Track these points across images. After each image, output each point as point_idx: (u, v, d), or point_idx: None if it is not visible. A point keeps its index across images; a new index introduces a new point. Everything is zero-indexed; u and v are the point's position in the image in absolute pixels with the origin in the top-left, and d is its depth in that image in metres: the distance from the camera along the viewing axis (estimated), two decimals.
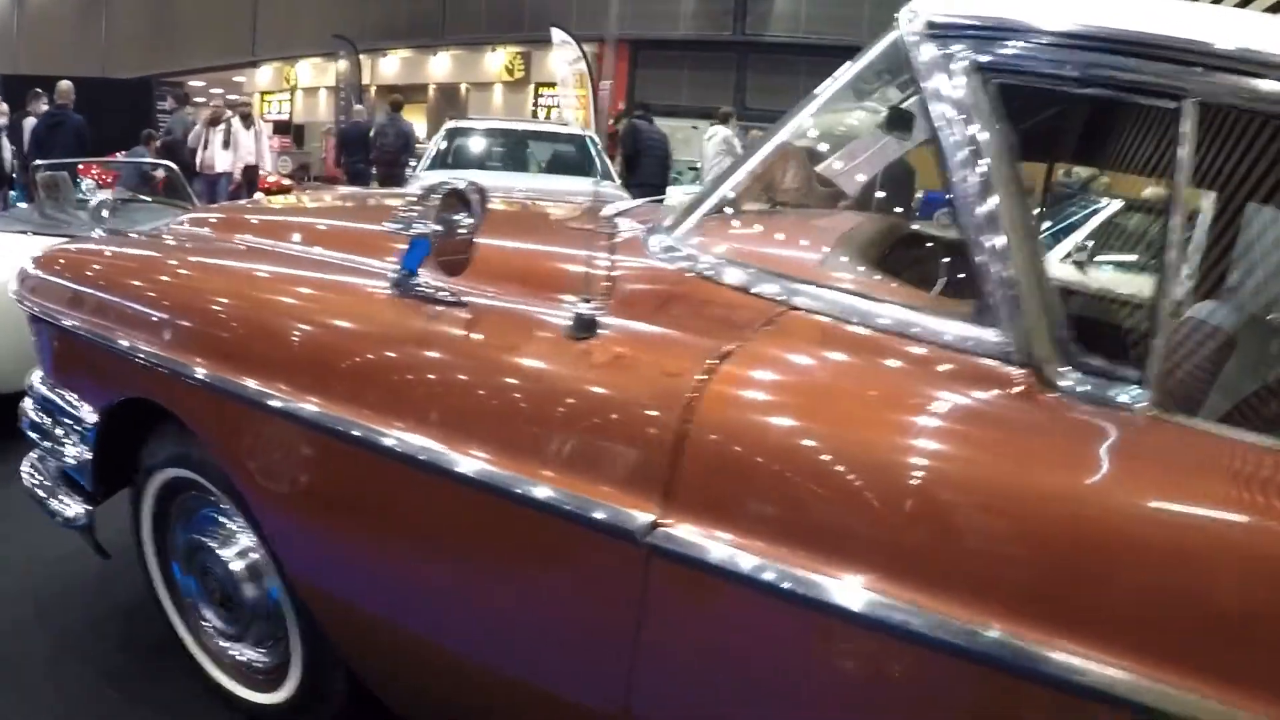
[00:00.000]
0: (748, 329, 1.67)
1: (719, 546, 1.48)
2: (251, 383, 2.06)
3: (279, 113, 32.21)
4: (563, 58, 17.65)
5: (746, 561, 1.46)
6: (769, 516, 1.48)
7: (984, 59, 1.61)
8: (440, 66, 29.61)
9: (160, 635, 2.81)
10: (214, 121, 12.32)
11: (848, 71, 1.95)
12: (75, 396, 2.69)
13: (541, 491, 1.63)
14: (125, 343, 2.35)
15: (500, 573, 1.82)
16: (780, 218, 2.52)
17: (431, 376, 1.86)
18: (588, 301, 1.74)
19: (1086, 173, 11.49)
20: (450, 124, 9.59)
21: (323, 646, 2.29)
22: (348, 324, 2.03)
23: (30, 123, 11.67)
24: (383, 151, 12.94)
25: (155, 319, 2.33)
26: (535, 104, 28.07)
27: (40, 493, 2.86)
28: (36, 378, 2.93)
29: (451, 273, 1.91)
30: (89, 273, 2.61)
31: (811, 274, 1.81)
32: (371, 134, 13.58)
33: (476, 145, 9.64)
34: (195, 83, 28.20)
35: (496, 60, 28.31)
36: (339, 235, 2.56)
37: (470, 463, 1.72)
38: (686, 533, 1.51)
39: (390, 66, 29.84)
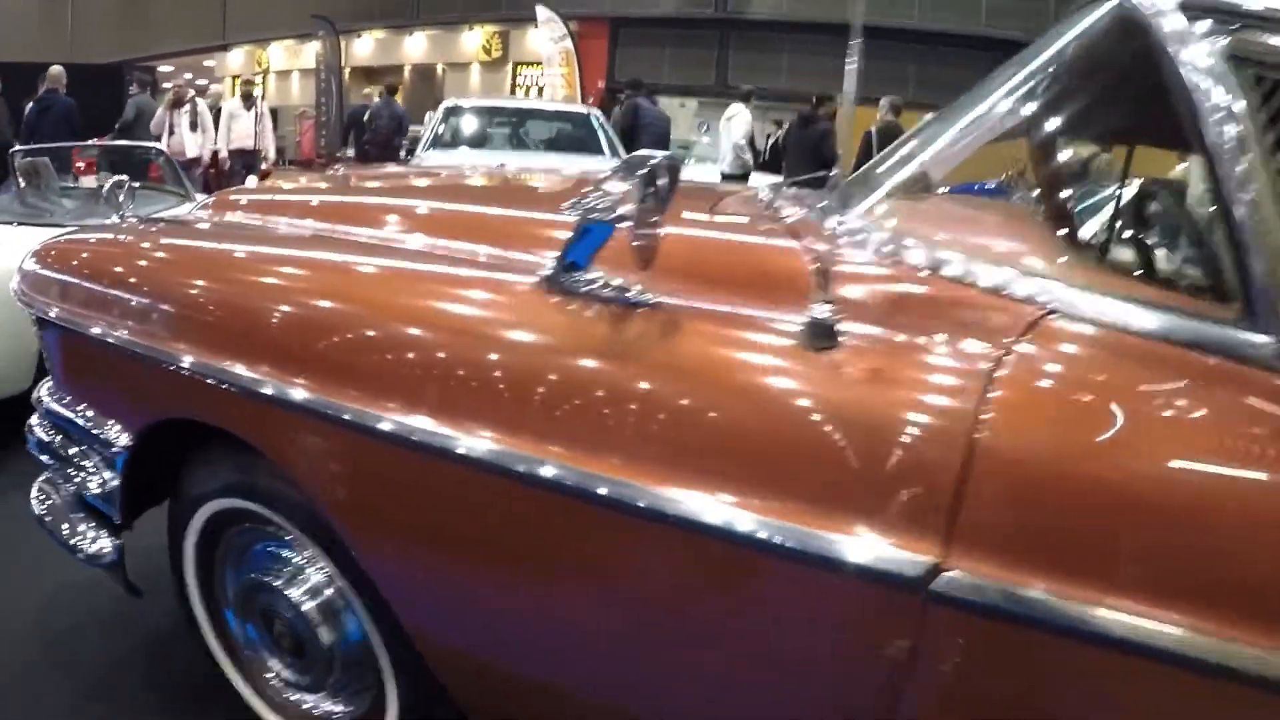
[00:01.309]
0: (1008, 336, 1.39)
1: (1015, 590, 1.25)
2: (366, 406, 1.70)
3: (232, 98, 31.29)
4: (547, 35, 17.31)
5: (1049, 606, 1.23)
6: (1071, 554, 1.25)
7: (1244, 41, 1.39)
8: (416, 47, 29.20)
9: (198, 674, 2.48)
10: (176, 104, 11.37)
11: (1047, 48, 1.77)
12: (100, 415, 2.33)
13: (781, 533, 1.36)
14: (176, 355, 1.99)
15: (719, 628, 1.52)
16: (969, 203, 2.23)
17: (617, 396, 1.51)
18: (826, 305, 1.44)
19: (1086, 151, 11.39)
20: (448, 103, 9.23)
21: (429, 699, 1.98)
22: (492, 330, 1.68)
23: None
24: (376, 133, 13.19)
25: (217, 326, 1.98)
26: (514, 84, 27.70)
27: (54, 524, 2.50)
28: (46, 391, 2.56)
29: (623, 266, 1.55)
30: (118, 269, 2.24)
31: (1060, 272, 1.57)
32: (366, 117, 13.80)
33: (477, 124, 9.29)
34: (165, 68, 27.60)
35: (473, 40, 27.93)
36: (449, 221, 2.20)
37: (686, 502, 1.42)
38: (974, 576, 1.27)
39: (364, 48, 29.34)
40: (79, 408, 2.38)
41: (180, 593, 2.42)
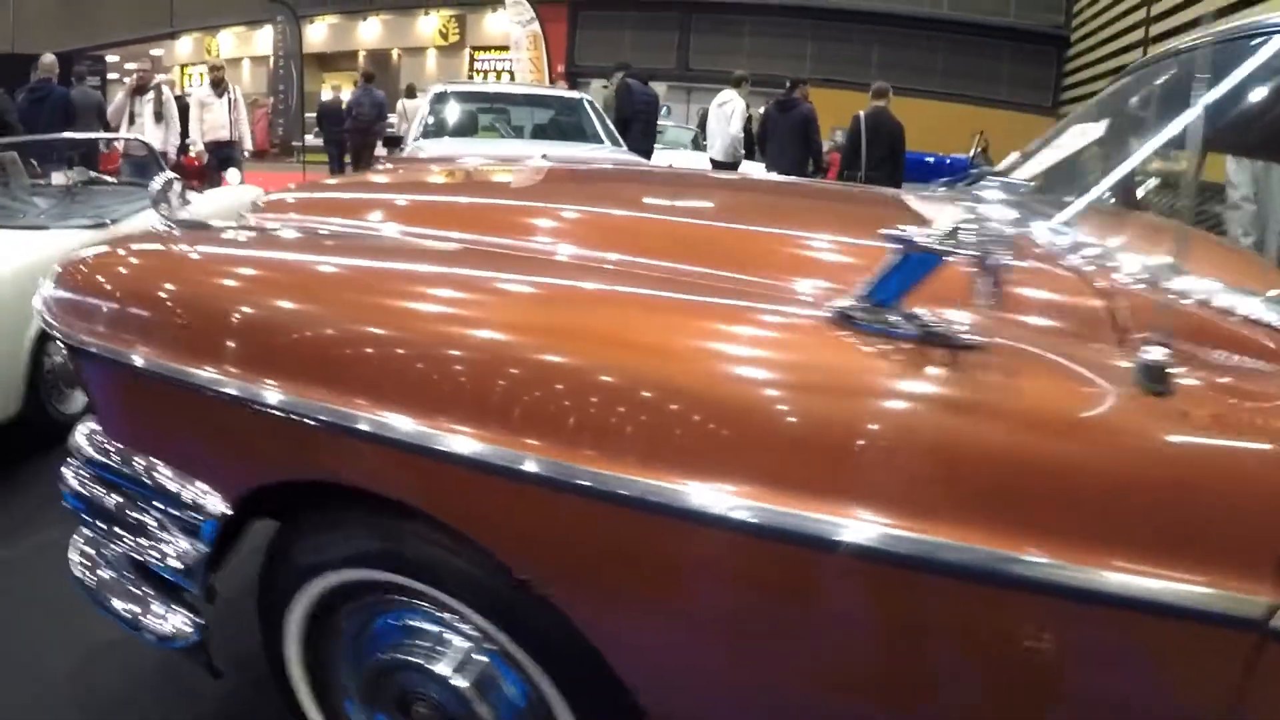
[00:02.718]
0: None
1: None
2: (618, 471, 1.40)
3: (200, 85, 30.77)
4: (514, 18, 16.91)
5: None
6: None
7: None
8: (370, 32, 28.82)
9: None
10: (139, 90, 10.08)
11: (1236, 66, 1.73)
12: (181, 473, 1.93)
13: (1114, 583, 1.25)
14: (315, 407, 1.62)
15: (1055, 686, 1.37)
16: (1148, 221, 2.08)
17: (949, 450, 1.31)
18: (1161, 345, 1.30)
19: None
20: (437, 89, 8.80)
21: None
22: (781, 374, 1.41)
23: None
24: (358, 121, 13.79)
25: (384, 370, 1.60)
26: (472, 69, 27.35)
27: (109, 597, 2.09)
28: (84, 435, 2.15)
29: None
30: (203, 292, 1.84)
31: None
32: (345, 105, 14.39)
33: (467, 111, 8.87)
34: (110, 58, 26.93)
35: (429, 24, 27.63)
36: (655, 235, 1.96)
37: (1020, 560, 1.27)
38: None
39: (317, 34, 28.79)
40: (145, 462, 1.98)
41: (281, 681, 2.03)
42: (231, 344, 1.74)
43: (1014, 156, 3.02)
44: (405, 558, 1.74)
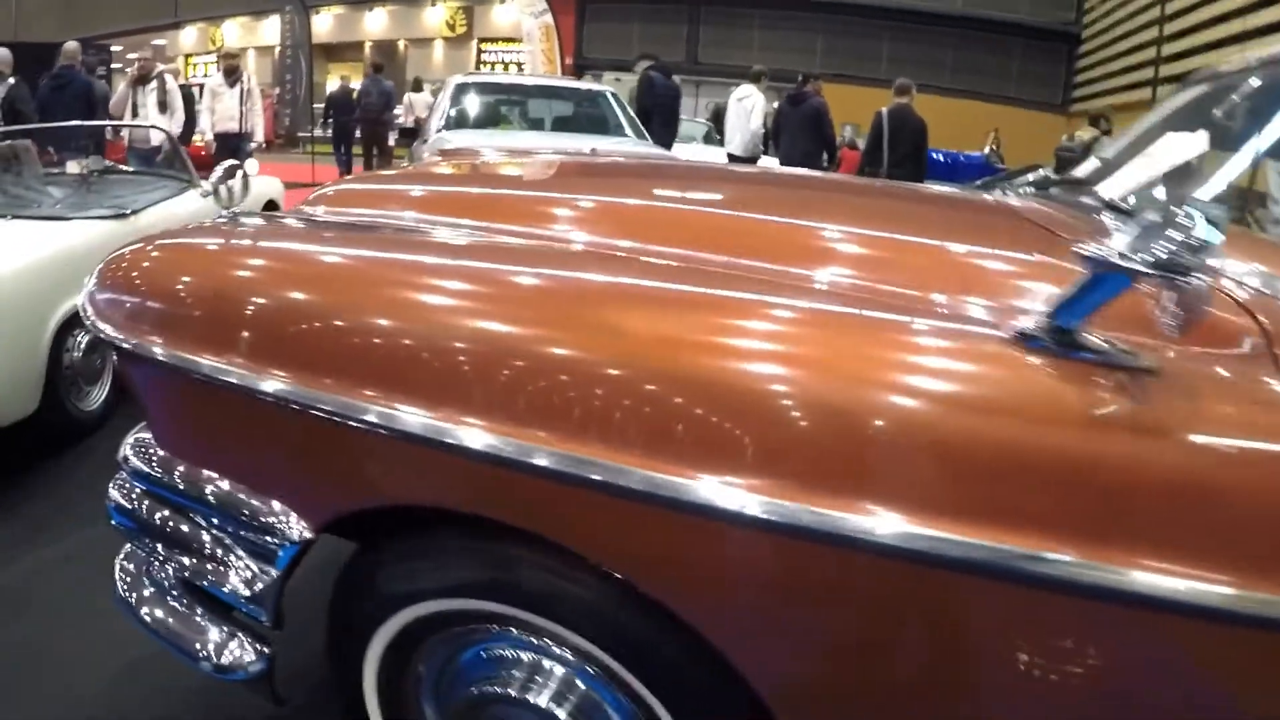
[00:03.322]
0: None
1: None
2: (811, 505, 1.27)
3: (205, 75, 30.60)
4: (526, 10, 16.73)
5: None
6: None
7: None
8: (376, 22, 28.67)
9: None
10: (142, 79, 9.55)
11: None
12: (258, 494, 1.74)
13: None
14: (443, 430, 1.44)
15: None
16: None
17: (1116, 473, 1.22)
18: None
19: (1088, 135, 11.14)
20: (458, 79, 8.62)
21: None
22: (968, 401, 1.29)
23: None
24: (367, 110, 14.13)
25: (525, 386, 1.42)
26: (479, 60, 27.18)
27: (163, 623, 1.90)
28: (134, 447, 1.95)
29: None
30: (287, 291, 1.65)
31: None
32: (355, 95, 14.62)
33: (489, 103, 8.66)
34: (115, 48, 26.76)
35: (436, 15, 27.46)
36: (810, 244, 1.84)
37: (1213, 591, 1.18)
38: None
39: (323, 24, 28.57)
40: (210, 480, 1.79)
41: (355, 716, 1.86)
42: (329, 355, 1.56)
43: (1093, 163, 2.86)
44: (519, 589, 1.58)
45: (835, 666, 1.43)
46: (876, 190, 3.24)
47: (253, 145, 10.49)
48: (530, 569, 1.56)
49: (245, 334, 1.64)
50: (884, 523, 1.24)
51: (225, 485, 1.77)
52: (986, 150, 18.89)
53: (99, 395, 4.51)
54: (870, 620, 1.37)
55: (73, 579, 3.07)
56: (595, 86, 9.35)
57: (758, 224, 2.07)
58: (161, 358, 1.71)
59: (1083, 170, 2.84)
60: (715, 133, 14.87)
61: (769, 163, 11.36)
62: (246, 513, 1.73)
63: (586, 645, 1.57)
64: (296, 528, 1.68)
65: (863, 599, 1.36)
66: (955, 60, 23.67)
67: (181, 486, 1.82)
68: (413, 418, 1.45)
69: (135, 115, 9.45)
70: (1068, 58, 23.56)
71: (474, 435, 1.41)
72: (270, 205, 7.01)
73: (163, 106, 9.57)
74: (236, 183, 2.08)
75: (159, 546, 1.90)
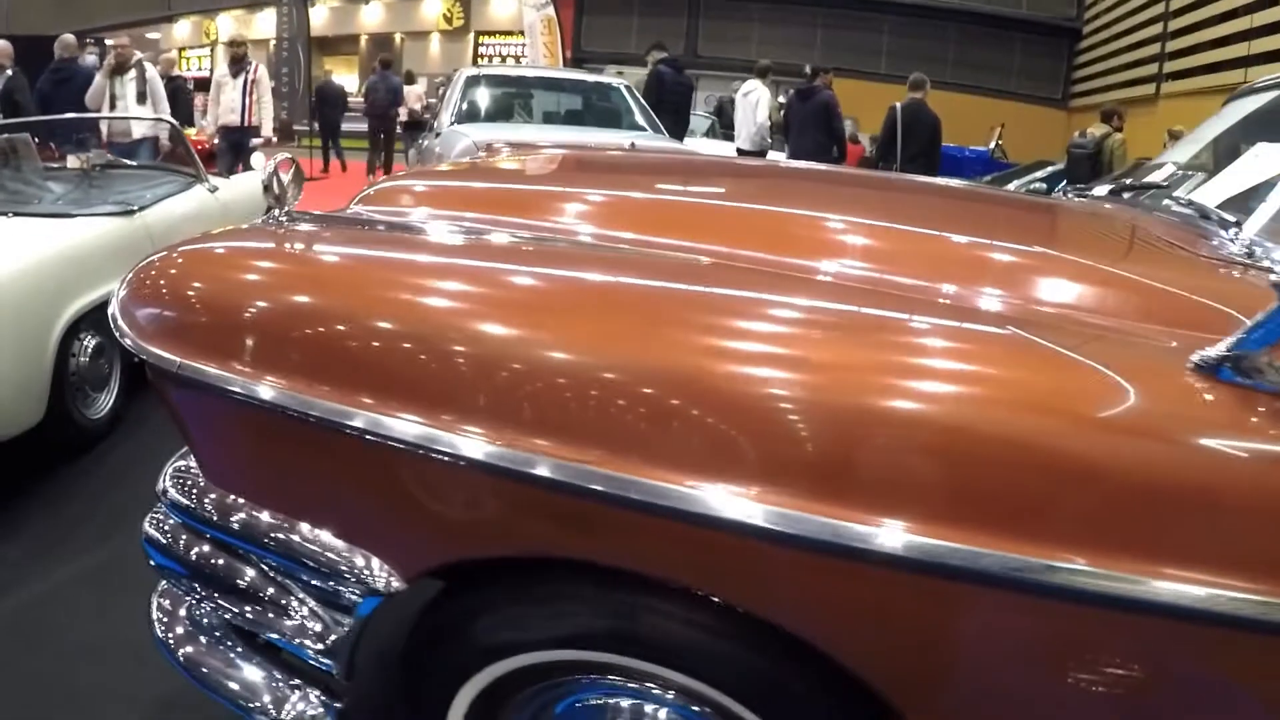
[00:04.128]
0: None
1: None
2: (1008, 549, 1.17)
3: (199, 69, 30.36)
4: (528, 1, 16.51)
5: None
6: None
7: None
8: (372, 15, 28.47)
9: None
10: (119, 69, 8.77)
11: None
12: (335, 537, 1.54)
13: None
14: (599, 478, 1.28)
15: None
16: None
17: None
18: None
19: (1100, 131, 10.98)
20: (468, 72, 8.40)
21: None
22: (1136, 428, 1.21)
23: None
24: (375, 105, 14.40)
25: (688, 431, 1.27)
26: (476, 53, 26.98)
27: (215, 675, 1.70)
28: (176, 480, 1.74)
29: None
30: (383, 311, 1.45)
31: None
32: (363, 90, 15.13)
33: (500, 96, 8.45)
34: (108, 41, 26.51)
35: (433, 8, 27.28)
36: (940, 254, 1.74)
37: None
38: None
39: (318, 17, 28.26)
40: (277, 523, 1.59)
41: None
42: (452, 387, 1.37)
43: (1168, 168, 2.69)
44: (639, 638, 1.44)
45: (996, 700, 1.34)
46: (987, 198, 3.06)
47: (258, 140, 9.79)
48: (656, 617, 1.42)
49: (331, 360, 1.44)
50: (1068, 564, 1.16)
51: (294, 527, 1.56)
52: (992, 145, 18.72)
53: (106, 402, 4.30)
54: (1034, 658, 1.29)
55: (91, 604, 2.86)
56: (608, 79, 9.16)
57: (940, 243, 1.92)
58: (218, 383, 1.50)
59: (1159, 175, 2.69)
60: (719, 127, 14.69)
61: (776, 158, 11.24)
62: (322, 560, 1.53)
63: (695, 686, 1.46)
64: (383, 576, 1.49)
65: (1028, 637, 1.27)
66: (956, 54, 23.48)
67: (237, 527, 1.62)
68: (580, 468, 1.28)
69: (114, 107, 8.85)
70: (1069, 53, 23.41)
71: (673, 493, 1.25)
72: None
73: (142, 97, 8.93)
74: (289, 178, 1.88)
75: (206, 590, 1.70)
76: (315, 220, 1.86)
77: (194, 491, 1.69)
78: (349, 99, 17.45)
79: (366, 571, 1.50)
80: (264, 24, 26.63)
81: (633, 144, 3.40)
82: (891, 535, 1.19)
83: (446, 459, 1.34)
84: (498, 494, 1.39)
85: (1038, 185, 13.70)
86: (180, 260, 1.67)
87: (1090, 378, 1.26)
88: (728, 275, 1.62)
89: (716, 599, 1.37)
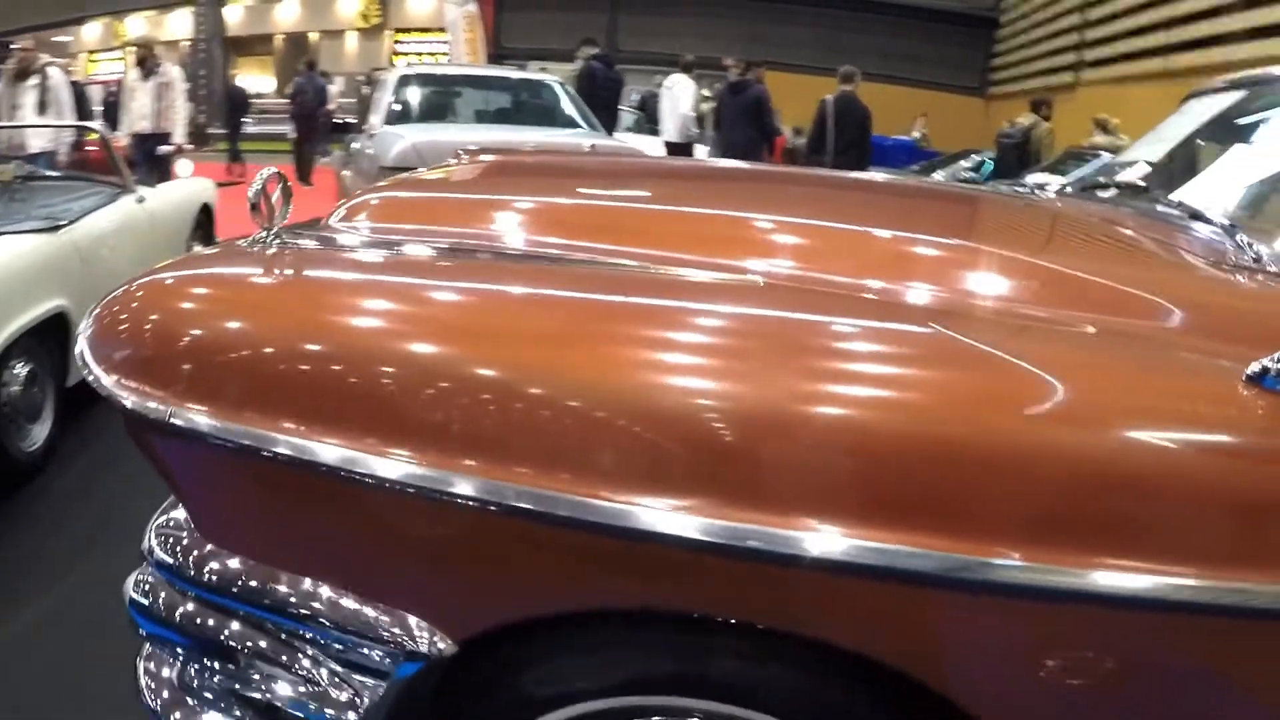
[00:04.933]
0: None
1: None
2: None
3: (110, 73, 29.67)
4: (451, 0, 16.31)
5: None
6: None
7: None
8: (287, 14, 28.03)
9: None
10: (20, 75, 8.04)
11: None
12: (368, 604, 1.40)
13: None
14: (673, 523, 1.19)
15: None
16: None
17: None
18: None
19: (1028, 120, 11.07)
20: (401, 71, 8.24)
21: None
22: (1192, 439, 1.22)
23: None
24: (302, 107, 14.23)
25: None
26: (394, 51, 26.67)
27: None
28: (164, 538, 1.56)
29: None
30: (415, 344, 1.33)
31: None
32: (290, 91, 14.86)
33: (434, 95, 8.27)
34: (14, 45, 25.79)
35: (350, 5, 26.90)
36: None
37: None
38: None
39: (232, 16, 27.84)
40: (295, 585, 1.43)
41: None
42: (492, 429, 1.25)
43: (1141, 168, 2.64)
44: (706, 680, 1.37)
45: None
46: (921, 192, 3.01)
47: (169, 148, 9.11)
48: (725, 658, 1.36)
49: (354, 402, 1.30)
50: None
51: (314, 587, 1.42)
52: (916, 134, 18.88)
53: (41, 433, 4.04)
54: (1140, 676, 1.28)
55: (47, 657, 2.64)
56: (544, 77, 9.08)
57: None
58: (219, 434, 1.34)
59: (1133, 175, 2.65)
60: (645, 122, 14.58)
61: (702, 152, 11.24)
62: (351, 621, 1.39)
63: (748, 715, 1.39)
64: (427, 638, 1.35)
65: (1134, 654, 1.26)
66: (879, 47, 23.61)
67: (243, 590, 1.46)
68: (652, 514, 1.20)
69: (13, 115, 8.13)
70: (986, 43, 23.66)
71: (771, 536, 1.18)
72: (205, 209, 6.53)
73: (43, 106, 8.17)
74: (278, 194, 1.70)
75: (210, 661, 1.54)
76: (311, 240, 1.70)
77: (187, 551, 1.52)
78: (250, 101, 17.86)
79: (404, 633, 1.36)
80: (176, 25, 26.10)
81: (593, 146, 3.30)
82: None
83: (528, 512, 1.22)
84: (565, 548, 1.29)
85: (966, 174, 13.86)
86: (165, 289, 1.51)
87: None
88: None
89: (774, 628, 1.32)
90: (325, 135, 14.72)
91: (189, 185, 6.63)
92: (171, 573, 1.53)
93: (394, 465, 1.25)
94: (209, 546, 1.51)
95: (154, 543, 1.56)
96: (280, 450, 1.30)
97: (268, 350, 1.36)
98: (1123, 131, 10.21)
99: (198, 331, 1.41)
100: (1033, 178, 9.03)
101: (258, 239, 1.66)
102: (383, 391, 1.29)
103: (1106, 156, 9.33)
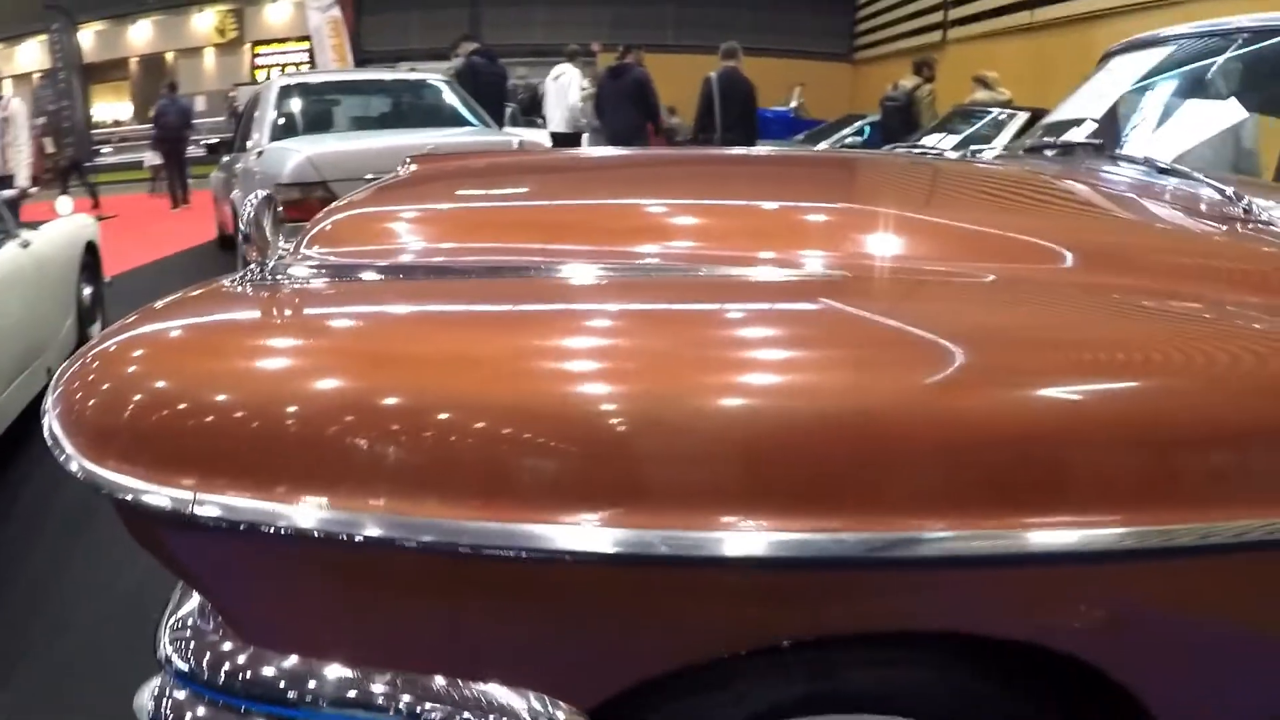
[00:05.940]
0: None
1: None
2: None
3: None
4: (313, 5, 15.95)
5: None
6: None
7: None
8: (141, 36, 27.22)
9: None
10: None
11: None
12: (468, 686, 1.21)
13: None
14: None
15: None
16: None
17: None
18: None
19: (911, 82, 11.14)
20: (281, 81, 7.95)
21: None
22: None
23: None
24: (165, 130, 14.30)
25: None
26: (254, 65, 26.06)
27: None
28: (175, 641, 1.33)
29: None
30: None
31: None
32: (152, 114, 14.85)
33: (318, 105, 8.00)
34: None
35: (205, 21, 26.27)
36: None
37: None
38: None
39: (83, 42, 26.94)
40: (366, 679, 1.22)
41: None
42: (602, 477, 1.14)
43: (1089, 125, 2.63)
44: (839, 694, 1.31)
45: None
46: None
47: (12, 192, 7.78)
48: (856, 669, 1.31)
49: (431, 462, 1.14)
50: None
51: (406, 679, 1.23)
52: (794, 105, 18.95)
53: None
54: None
55: None
56: (428, 77, 8.88)
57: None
58: (264, 519, 1.13)
59: (1082, 133, 2.65)
60: (521, 114, 14.36)
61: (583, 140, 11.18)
62: (461, 712, 1.21)
63: None
64: (545, 713, 1.21)
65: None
66: (747, 21, 23.66)
67: (300, 695, 1.23)
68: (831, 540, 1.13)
69: None
70: (850, 8, 23.85)
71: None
72: (90, 247, 6.19)
73: None
74: (269, 224, 1.52)
75: None
76: (313, 273, 1.51)
77: (220, 656, 1.28)
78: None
79: (515, 713, 1.21)
80: (26, 57, 25.16)
81: (520, 142, 3.17)
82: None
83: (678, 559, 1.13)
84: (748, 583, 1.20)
85: (852, 140, 13.94)
86: (167, 345, 1.30)
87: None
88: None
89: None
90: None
91: (71, 223, 6.27)
92: (201, 685, 1.28)
93: (505, 533, 1.11)
94: (250, 648, 1.27)
95: (170, 650, 1.33)
96: (369, 533, 1.12)
97: (321, 414, 1.15)
98: (1000, 86, 10.32)
99: (220, 397, 1.18)
100: (929, 139, 9.18)
101: (252, 277, 1.47)
102: (486, 449, 1.13)
103: (995, 111, 9.46)
